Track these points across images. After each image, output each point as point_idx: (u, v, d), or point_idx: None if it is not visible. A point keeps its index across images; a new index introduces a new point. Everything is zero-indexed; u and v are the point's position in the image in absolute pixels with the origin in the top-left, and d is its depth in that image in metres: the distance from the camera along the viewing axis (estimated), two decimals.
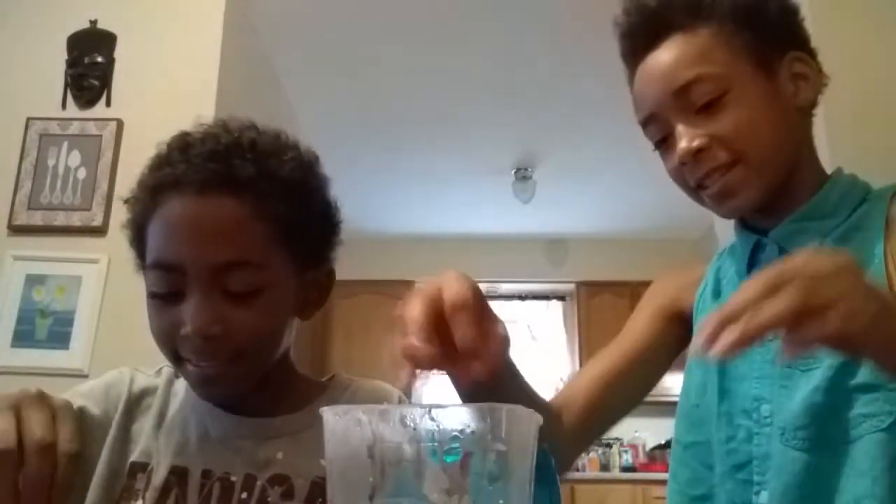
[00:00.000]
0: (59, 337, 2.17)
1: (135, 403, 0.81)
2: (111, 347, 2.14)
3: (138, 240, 0.77)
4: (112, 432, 0.78)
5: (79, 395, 0.79)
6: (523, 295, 5.85)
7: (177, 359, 0.75)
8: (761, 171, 0.79)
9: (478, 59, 3.31)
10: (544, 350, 5.68)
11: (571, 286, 5.62)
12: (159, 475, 0.75)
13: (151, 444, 0.77)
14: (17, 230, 2.28)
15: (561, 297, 5.82)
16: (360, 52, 3.23)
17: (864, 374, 0.67)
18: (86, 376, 2.11)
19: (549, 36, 3.12)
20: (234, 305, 0.72)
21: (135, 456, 0.77)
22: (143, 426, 0.79)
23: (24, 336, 2.17)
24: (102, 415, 0.79)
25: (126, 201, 0.79)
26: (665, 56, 0.82)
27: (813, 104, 0.83)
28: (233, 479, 0.75)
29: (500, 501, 0.43)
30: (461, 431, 0.44)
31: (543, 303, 5.85)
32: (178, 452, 0.76)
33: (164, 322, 0.73)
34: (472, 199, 4.95)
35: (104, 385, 0.82)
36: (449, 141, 4.15)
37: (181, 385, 0.84)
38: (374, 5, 2.93)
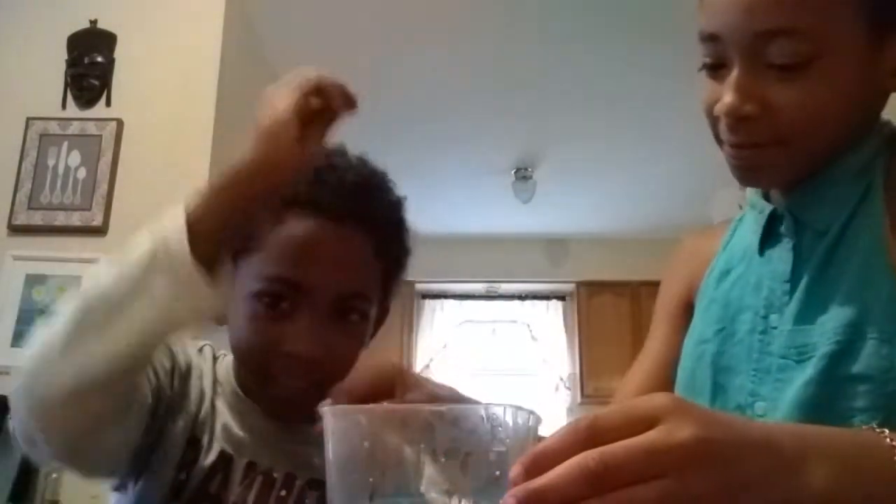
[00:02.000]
0: None
1: (190, 374, 0.82)
2: None
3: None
4: (203, 389, 0.80)
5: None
6: (523, 295, 5.84)
7: (265, 374, 0.76)
8: (803, 158, 0.66)
9: (478, 59, 3.31)
10: (544, 350, 5.68)
11: (571, 286, 5.62)
12: (210, 457, 0.76)
13: (206, 422, 0.79)
14: (17, 230, 2.28)
15: (561, 297, 5.82)
16: (359, 51, 3.23)
17: (860, 364, 0.60)
18: None
19: (549, 36, 3.12)
20: (337, 333, 0.75)
21: (192, 429, 0.78)
22: (195, 400, 0.80)
23: (24, 336, 2.16)
24: (185, 368, 0.80)
25: None
26: None
27: None
28: (275, 475, 0.77)
29: (500, 502, 0.43)
30: (461, 432, 0.44)
31: (543, 303, 5.84)
32: (228, 440, 0.78)
33: (263, 335, 0.75)
34: (472, 199, 4.95)
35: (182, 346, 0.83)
36: (449, 140, 4.14)
37: (221, 368, 0.84)
38: (374, 6, 2.93)
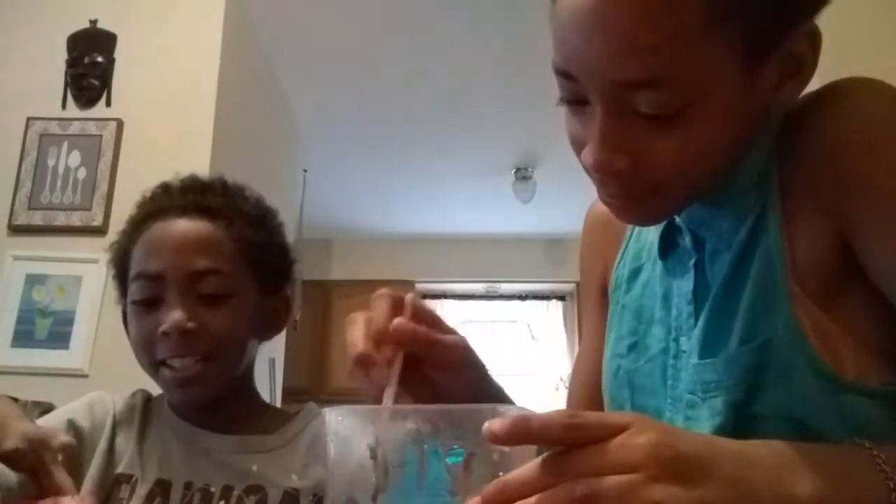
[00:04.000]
0: (59, 337, 2.16)
1: (119, 420, 0.88)
2: (111, 347, 2.14)
3: (122, 268, 0.89)
4: (101, 444, 0.84)
5: (65, 411, 0.87)
6: (523, 295, 5.85)
7: (155, 364, 0.83)
8: (687, 199, 0.60)
9: (478, 59, 3.31)
10: (544, 350, 5.67)
11: (571, 286, 5.62)
12: (145, 486, 0.81)
13: (135, 458, 0.84)
14: (17, 230, 2.28)
15: (561, 297, 5.82)
16: (359, 51, 3.23)
17: (763, 405, 0.56)
18: (86, 376, 2.12)
19: (549, 35, 3.11)
20: (206, 308, 0.83)
21: (120, 468, 0.83)
22: (127, 441, 0.86)
23: (24, 336, 2.17)
24: (90, 427, 0.86)
25: (112, 244, 0.92)
26: (619, 10, 0.50)
27: (792, 102, 0.58)
28: (212, 489, 0.82)
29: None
30: (464, 432, 0.44)
31: (543, 303, 5.84)
32: (162, 467, 0.83)
33: (143, 327, 0.84)
34: (472, 199, 4.95)
35: (88, 402, 0.89)
36: (449, 141, 4.14)
37: (156, 404, 0.92)
38: (374, 5, 2.93)
